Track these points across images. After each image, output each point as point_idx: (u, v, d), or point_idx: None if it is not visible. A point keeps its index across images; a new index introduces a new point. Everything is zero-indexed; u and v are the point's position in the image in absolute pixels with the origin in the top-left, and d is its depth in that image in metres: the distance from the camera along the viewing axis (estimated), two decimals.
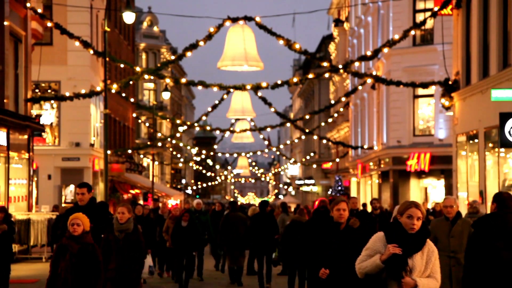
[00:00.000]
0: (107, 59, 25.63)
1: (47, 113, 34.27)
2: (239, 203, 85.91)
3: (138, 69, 27.94)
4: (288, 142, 79.04)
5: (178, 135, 46.67)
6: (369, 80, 30.97)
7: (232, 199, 24.37)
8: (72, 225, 8.72)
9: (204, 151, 65.18)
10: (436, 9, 24.36)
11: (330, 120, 49.10)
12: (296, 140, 71.17)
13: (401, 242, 6.28)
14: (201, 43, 25.13)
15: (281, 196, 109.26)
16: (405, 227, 6.35)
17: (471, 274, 7.68)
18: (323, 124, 49.18)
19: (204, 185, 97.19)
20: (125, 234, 10.47)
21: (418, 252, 6.34)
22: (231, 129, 45.66)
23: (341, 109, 50.07)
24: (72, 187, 34.67)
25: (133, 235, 10.51)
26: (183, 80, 30.16)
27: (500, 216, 7.80)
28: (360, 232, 8.94)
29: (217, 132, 43.14)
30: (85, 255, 8.62)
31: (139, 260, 10.49)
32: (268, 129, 44.14)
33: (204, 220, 19.68)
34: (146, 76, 29.02)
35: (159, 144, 55.33)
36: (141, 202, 40.86)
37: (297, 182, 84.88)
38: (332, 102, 47.47)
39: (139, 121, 53.98)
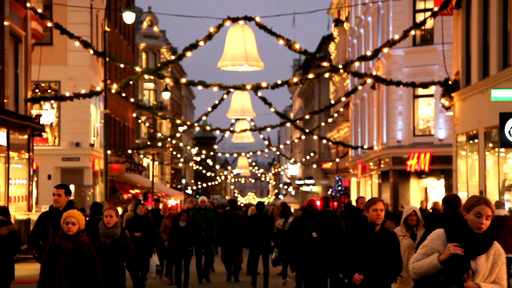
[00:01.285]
0: (107, 59, 25.63)
1: (47, 113, 34.27)
2: (239, 203, 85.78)
3: (138, 69, 27.94)
4: (288, 142, 79.06)
5: (178, 135, 46.67)
6: (369, 80, 30.98)
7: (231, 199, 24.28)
8: (66, 224, 7.92)
9: (204, 151, 65.19)
10: (436, 9, 24.36)
11: (330, 120, 49.11)
12: (296, 140, 71.19)
13: (464, 242, 5.67)
14: (201, 43, 25.13)
15: (281, 196, 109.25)
16: (472, 226, 5.72)
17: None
18: (323, 124, 49.19)
19: (204, 185, 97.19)
20: (112, 239, 9.69)
21: (483, 255, 5.71)
22: (231, 129, 45.65)
23: (341, 109, 50.08)
24: (72, 187, 34.66)
25: (120, 240, 9.72)
26: (183, 80, 30.16)
27: (448, 216, 8.63)
28: (395, 235, 8.25)
29: (217, 132, 43.14)
30: (81, 256, 7.87)
31: (128, 267, 9.69)
32: (268, 129, 44.14)
33: (209, 217, 19.33)
34: (146, 76, 29.02)
35: (159, 144, 55.33)
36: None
37: (297, 182, 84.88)
38: (332, 102, 47.48)
39: (139, 121, 53.98)
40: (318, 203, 14.51)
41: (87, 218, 11.23)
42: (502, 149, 19.91)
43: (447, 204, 8.86)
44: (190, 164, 78.56)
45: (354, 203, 21.85)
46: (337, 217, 14.25)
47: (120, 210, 36.32)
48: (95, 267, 7.94)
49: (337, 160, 54.39)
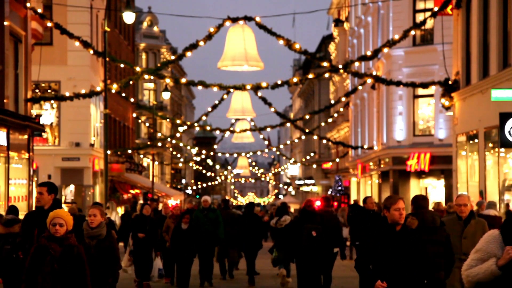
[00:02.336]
0: (107, 59, 25.62)
1: (47, 113, 34.26)
2: (239, 203, 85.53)
3: (138, 69, 27.93)
4: (288, 142, 79.05)
5: (178, 135, 46.67)
6: (369, 80, 30.97)
7: (230, 199, 24.17)
8: (53, 225, 7.33)
9: (204, 151, 65.20)
10: (436, 9, 24.35)
11: (330, 120, 49.10)
12: (296, 140, 71.19)
13: None
14: (201, 43, 25.12)
15: (281, 196, 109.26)
16: None
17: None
18: (323, 124, 49.17)
19: (204, 185, 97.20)
20: (97, 240, 9.09)
21: None
22: (231, 129, 45.64)
23: (341, 109, 50.07)
24: (72, 187, 34.68)
25: (105, 242, 9.10)
26: (183, 80, 30.15)
27: (417, 215, 9.24)
28: (419, 233, 7.69)
29: (217, 132, 43.13)
30: (69, 259, 7.26)
31: (112, 270, 9.03)
32: (268, 129, 44.12)
33: (213, 217, 18.05)
34: (146, 76, 29.01)
35: (159, 144, 55.34)
36: (141, 201, 40.85)
37: (297, 182, 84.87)
38: (332, 102, 47.47)
39: (139, 121, 53.97)
40: (318, 203, 14.67)
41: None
42: (502, 149, 19.91)
43: (416, 204, 9.50)
44: (190, 164, 78.55)
45: (360, 203, 21.82)
46: (334, 216, 14.48)
47: (121, 209, 36.38)
48: (84, 271, 7.36)
49: (337, 160, 54.38)
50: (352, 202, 37.10)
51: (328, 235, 13.25)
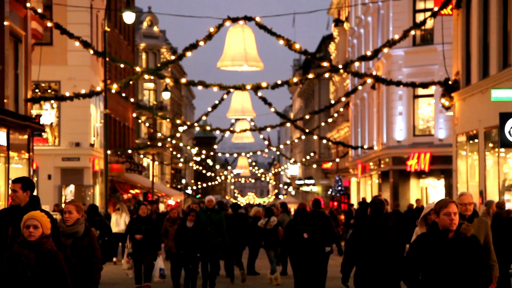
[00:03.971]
0: (107, 59, 25.63)
1: (47, 113, 34.26)
2: (239, 203, 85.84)
3: (138, 69, 27.94)
4: (288, 142, 79.04)
5: (178, 135, 46.68)
6: (369, 80, 30.98)
7: (232, 199, 24.12)
8: (27, 228, 6.42)
9: (204, 151, 65.17)
10: (436, 9, 24.36)
11: (330, 120, 49.11)
12: (296, 140, 71.20)
13: None
14: (201, 43, 25.12)
15: (281, 196, 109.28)
16: None
17: (349, 265, 9.54)
18: (323, 124, 49.19)
19: (204, 185, 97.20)
20: (74, 239, 8.26)
21: None
22: (231, 129, 45.66)
23: (341, 109, 50.08)
24: (72, 187, 34.65)
25: (83, 240, 8.26)
26: (183, 80, 30.16)
27: (374, 217, 9.71)
28: (475, 239, 6.81)
29: (217, 132, 43.14)
30: (45, 266, 6.36)
31: (91, 272, 8.19)
32: (268, 129, 44.14)
33: (216, 219, 17.19)
34: (146, 76, 29.01)
35: (159, 144, 55.32)
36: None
37: (297, 182, 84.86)
38: (332, 102, 47.47)
39: (139, 121, 53.97)
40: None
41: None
42: (502, 149, 19.92)
43: (373, 207, 9.96)
44: (190, 164, 78.56)
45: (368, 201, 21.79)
46: (325, 216, 14.73)
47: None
48: (63, 280, 6.45)
49: (337, 160, 54.39)
50: (360, 199, 37.13)
51: (320, 235, 13.73)
